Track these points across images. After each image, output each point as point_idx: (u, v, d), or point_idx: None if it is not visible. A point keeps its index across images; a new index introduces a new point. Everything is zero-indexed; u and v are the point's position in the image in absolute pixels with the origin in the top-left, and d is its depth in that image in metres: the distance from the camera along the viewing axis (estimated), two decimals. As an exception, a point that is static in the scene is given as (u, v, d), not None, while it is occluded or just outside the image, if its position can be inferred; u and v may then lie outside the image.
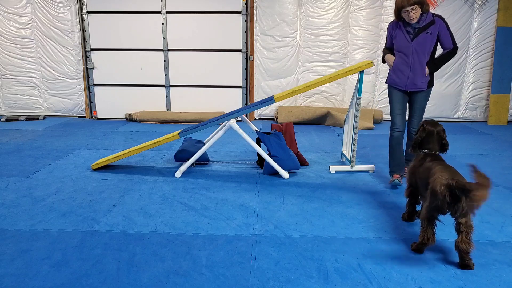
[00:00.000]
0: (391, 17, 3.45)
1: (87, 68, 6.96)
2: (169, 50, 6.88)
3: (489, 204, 3.18)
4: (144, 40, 6.84)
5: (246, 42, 6.79)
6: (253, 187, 3.59)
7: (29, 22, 6.81)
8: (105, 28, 6.82)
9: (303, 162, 4.24)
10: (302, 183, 3.71)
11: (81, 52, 6.90)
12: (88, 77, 7.01)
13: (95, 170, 4.06)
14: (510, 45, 6.58)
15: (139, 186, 3.58)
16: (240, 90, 7.01)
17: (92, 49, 6.91)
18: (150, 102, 7.09)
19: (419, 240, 2.36)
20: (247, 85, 6.97)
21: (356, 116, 3.81)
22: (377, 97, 6.98)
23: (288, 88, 6.80)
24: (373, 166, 4.07)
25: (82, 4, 6.72)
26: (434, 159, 2.54)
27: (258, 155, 4.14)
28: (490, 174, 3.98)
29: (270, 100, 3.79)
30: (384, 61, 3.63)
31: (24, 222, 2.82)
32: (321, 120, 6.66)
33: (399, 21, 3.37)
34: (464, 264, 2.23)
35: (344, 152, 4.30)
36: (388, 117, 6.18)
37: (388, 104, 3.69)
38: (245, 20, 6.72)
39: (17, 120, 6.85)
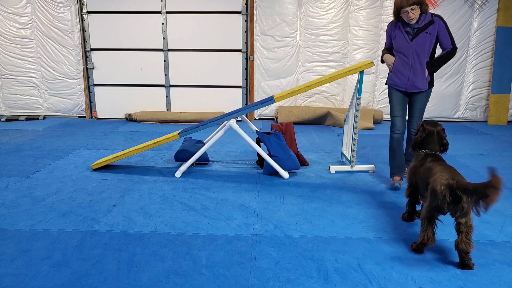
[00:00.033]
0: (391, 17, 3.45)
1: (87, 68, 6.96)
2: (169, 50, 6.88)
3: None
4: (144, 40, 6.84)
5: (246, 42, 6.79)
6: (253, 187, 3.59)
7: (29, 22, 6.81)
8: (105, 28, 6.82)
9: (303, 162, 4.24)
10: (302, 183, 3.71)
11: (81, 52, 6.90)
12: (88, 77, 7.01)
13: (95, 170, 4.06)
14: (510, 45, 6.58)
15: (139, 186, 3.58)
16: (240, 90, 7.02)
17: (92, 49, 6.91)
18: (150, 102, 7.09)
19: (419, 240, 2.36)
20: (247, 85, 6.97)
21: (356, 116, 3.81)
22: (377, 97, 6.98)
23: (288, 88, 6.80)
24: (373, 166, 4.07)
25: (82, 4, 6.72)
26: (434, 159, 2.53)
27: (258, 155, 4.14)
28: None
29: (270, 100, 3.79)
30: (382, 61, 3.62)
31: (24, 222, 2.82)
32: (321, 120, 6.66)
33: (398, 21, 3.37)
34: (464, 264, 2.23)
35: (344, 152, 4.30)
36: (388, 117, 6.17)
37: (388, 104, 3.68)
38: (245, 20, 6.72)
39: (17, 120, 6.85)
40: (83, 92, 7.07)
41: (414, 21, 3.24)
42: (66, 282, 2.10)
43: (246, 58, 6.86)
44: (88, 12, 6.76)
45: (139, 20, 6.77)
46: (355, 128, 3.85)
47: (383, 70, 6.75)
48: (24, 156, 4.56)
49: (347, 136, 4.22)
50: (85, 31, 6.83)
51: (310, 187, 3.59)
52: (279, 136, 3.94)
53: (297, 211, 3.05)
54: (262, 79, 6.94)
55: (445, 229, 2.66)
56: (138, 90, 7.05)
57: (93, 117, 7.17)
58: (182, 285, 2.08)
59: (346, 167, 4.06)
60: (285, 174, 3.82)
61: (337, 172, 4.04)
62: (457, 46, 3.35)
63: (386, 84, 3.61)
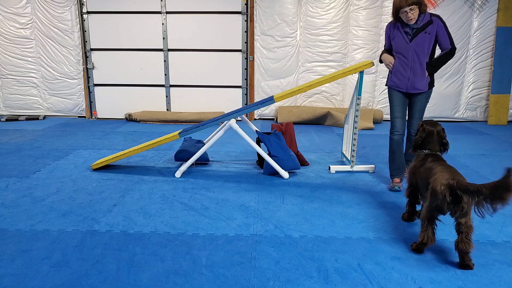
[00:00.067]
0: (391, 17, 3.44)
1: (87, 68, 6.96)
2: (169, 50, 6.88)
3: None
4: (144, 40, 6.84)
5: (246, 42, 6.79)
6: (253, 187, 3.59)
7: (29, 22, 6.81)
8: (105, 28, 6.82)
9: (303, 162, 4.24)
10: (302, 183, 3.71)
11: (81, 52, 6.90)
12: (88, 77, 7.01)
13: (95, 170, 4.06)
14: (510, 45, 6.58)
15: (139, 186, 3.58)
16: (240, 90, 7.02)
17: (92, 49, 6.91)
18: (150, 102, 7.09)
19: (419, 240, 2.36)
20: (247, 85, 6.97)
21: (356, 116, 3.81)
22: (377, 97, 6.98)
23: (288, 88, 6.80)
24: (373, 166, 4.07)
25: (82, 4, 6.72)
26: (435, 159, 2.53)
27: (258, 155, 4.14)
28: (490, 174, 3.99)
29: (270, 100, 3.79)
30: (381, 61, 3.60)
31: (24, 222, 2.82)
32: (321, 120, 6.66)
33: (397, 21, 3.36)
34: (464, 264, 2.23)
35: (344, 152, 4.30)
36: (388, 117, 6.17)
37: (388, 104, 3.68)
38: (245, 20, 6.72)
39: (17, 120, 6.85)
40: (83, 92, 7.07)
41: (413, 21, 3.24)
42: (66, 282, 2.10)
43: (246, 58, 6.86)
44: (88, 12, 6.76)
45: (139, 20, 6.77)
46: (355, 128, 3.85)
47: (383, 70, 6.75)
48: (24, 156, 4.56)
49: (347, 136, 4.22)
50: (85, 31, 6.83)
51: (310, 187, 3.59)
52: (279, 136, 3.94)
53: (297, 211, 3.05)
54: (262, 79, 6.94)
55: (445, 229, 2.66)
56: (138, 90, 7.05)
57: (93, 117, 7.17)
58: (182, 285, 2.08)
59: (346, 167, 4.06)
60: (285, 174, 3.82)
61: (337, 172, 4.04)
62: (456, 46, 3.35)
63: (386, 85, 3.60)
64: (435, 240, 2.34)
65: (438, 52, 3.39)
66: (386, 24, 3.56)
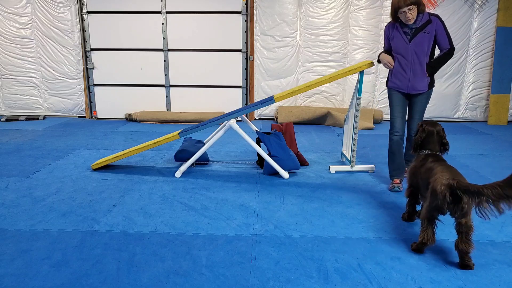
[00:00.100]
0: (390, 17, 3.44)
1: (87, 68, 6.96)
2: (169, 50, 6.88)
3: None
4: (144, 40, 6.84)
5: (246, 42, 6.79)
6: (253, 187, 3.59)
7: (29, 22, 6.81)
8: (105, 28, 6.82)
9: (303, 162, 4.24)
10: (302, 183, 3.71)
11: (81, 52, 6.90)
12: (88, 77, 7.01)
13: (95, 170, 4.06)
14: (510, 45, 6.58)
15: (139, 186, 3.58)
16: (240, 90, 7.01)
17: (92, 49, 6.91)
18: (150, 102, 7.09)
19: (419, 240, 2.36)
20: (247, 85, 6.97)
21: (356, 116, 3.81)
22: (377, 97, 6.97)
23: (288, 88, 6.80)
24: (373, 166, 4.07)
25: (82, 4, 6.72)
26: (435, 159, 2.53)
27: (258, 155, 4.14)
28: (490, 174, 3.99)
29: (270, 100, 3.79)
30: (379, 61, 3.56)
31: (24, 222, 2.82)
32: (321, 120, 6.66)
33: (396, 22, 3.35)
34: (464, 264, 2.23)
35: (344, 152, 4.30)
36: (388, 117, 6.18)
37: (388, 104, 3.67)
38: (245, 20, 6.72)
39: (17, 120, 6.85)
40: (83, 92, 7.07)
41: (412, 21, 3.23)
42: (66, 282, 2.10)
43: (246, 58, 6.86)
44: (88, 12, 6.76)
45: (139, 20, 6.77)
46: (355, 128, 3.85)
47: (383, 70, 6.75)
48: (24, 156, 4.56)
49: (347, 136, 4.22)
50: (85, 31, 6.83)
51: (310, 187, 3.59)
52: (279, 136, 3.94)
53: (297, 211, 3.05)
54: (262, 79, 6.94)
55: (445, 229, 2.66)
56: (138, 90, 7.05)
57: (93, 117, 7.17)
58: (182, 285, 2.08)
59: (346, 167, 4.06)
60: (285, 174, 3.82)
61: (337, 172, 4.04)
62: (455, 46, 3.33)
63: (386, 86, 3.58)
64: (435, 240, 2.34)
65: (438, 52, 3.39)
66: (386, 24, 3.55)
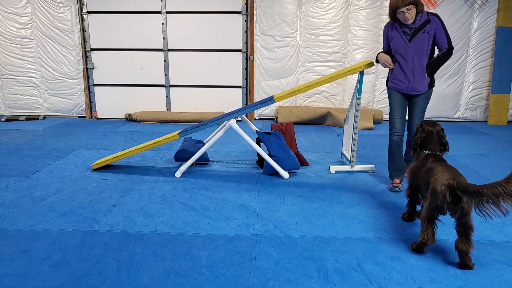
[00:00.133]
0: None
1: (87, 68, 6.96)
2: (169, 50, 6.88)
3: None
4: (144, 40, 6.84)
5: (246, 42, 6.79)
6: (253, 187, 3.59)
7: (29, 22, 6.81)
8: (105, 28, 6.82)
9: (303, 162, 4.24)
10: (302, 183, 3.71)
11: (81, 52, 6.90)
12: (88, 77, 7.01)
13: (95, 170, 4.06)
14: (510, 45, 6.58)
15: (139, 186, 3.58)
16: (240, 90, 7.02)
17: (92, 49, 6.91)
18: (150, 102, 7.09)
19: (419, 240, 2.36)
20: (247, 85, 6.97)
21: (356, 116, 3.81)
22: (377, 97, 6.97)
23: (288, 88, 6.80)
24: (373, 166, 4.07)
25: (82, 4, 6.72)
26: (436, 159, 2.53)
27: (258, 155, 4.14)
28: (490, 174, 3.99)
29: (270, 100, 3.79)
30: (377, 61, 3.54)
31: (24, 222, 2.82)
32: (321, 120, 6.66)
33: (394, 22, 3.35)
34: (464, 264, 2.23)
35: (344, 152, 4.30)
36: (388, 117, 6.19)
37: (388, 104, 3.66)
38: (245, 20, 6.72)
39: (17, 120, 6.85)
40: (83, 92, 7.07)
41: (411, 21, 3.22)
42: (66, 282, 2.10)
43: (246, 58, 6.86)
44: (88, 12, 6.76)
45: (139, 20, 6.77)
46: (355, 128, 3.85)
47: (383, 70, 6.75)
48: (24, 156, 4.56)
49: (347, 136, 4.22)
50: (85, 31, 6.83)
51: (310, 187, 3.59)
52: (279, 136, 3.94)
53: (297, 211, 3.05)
54: (262, 79, 6.94)
55: (445, 229, 2.66)
56: (138, 90, 7.05)
57: (93, 117, 7.17)
58: (182, 285, 2.08)
59: (346, 167, 4.06)
60: (285, 174, 3.82)
61: (337, 172, 4.04)
62: (453, 46, 3.32)
63: (386, 86, 3.58)
64: (435, 240, 2.34)
65: (437, 52, 3.39)
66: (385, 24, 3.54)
